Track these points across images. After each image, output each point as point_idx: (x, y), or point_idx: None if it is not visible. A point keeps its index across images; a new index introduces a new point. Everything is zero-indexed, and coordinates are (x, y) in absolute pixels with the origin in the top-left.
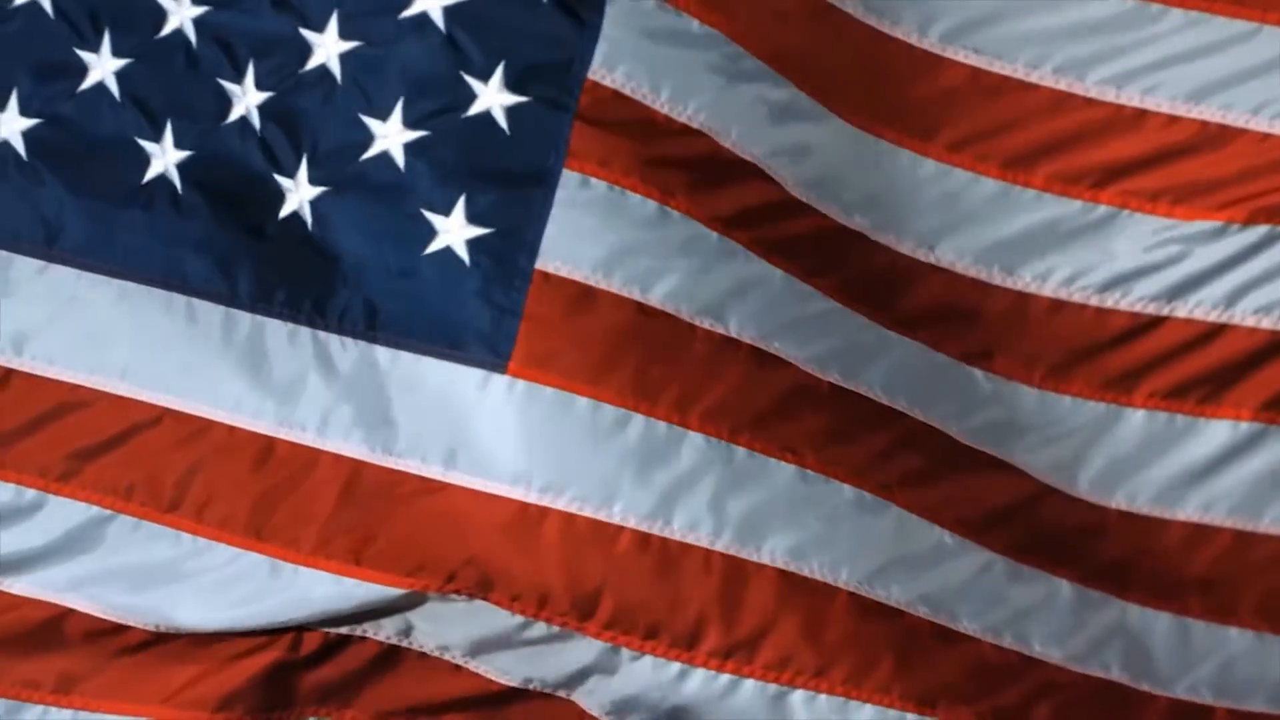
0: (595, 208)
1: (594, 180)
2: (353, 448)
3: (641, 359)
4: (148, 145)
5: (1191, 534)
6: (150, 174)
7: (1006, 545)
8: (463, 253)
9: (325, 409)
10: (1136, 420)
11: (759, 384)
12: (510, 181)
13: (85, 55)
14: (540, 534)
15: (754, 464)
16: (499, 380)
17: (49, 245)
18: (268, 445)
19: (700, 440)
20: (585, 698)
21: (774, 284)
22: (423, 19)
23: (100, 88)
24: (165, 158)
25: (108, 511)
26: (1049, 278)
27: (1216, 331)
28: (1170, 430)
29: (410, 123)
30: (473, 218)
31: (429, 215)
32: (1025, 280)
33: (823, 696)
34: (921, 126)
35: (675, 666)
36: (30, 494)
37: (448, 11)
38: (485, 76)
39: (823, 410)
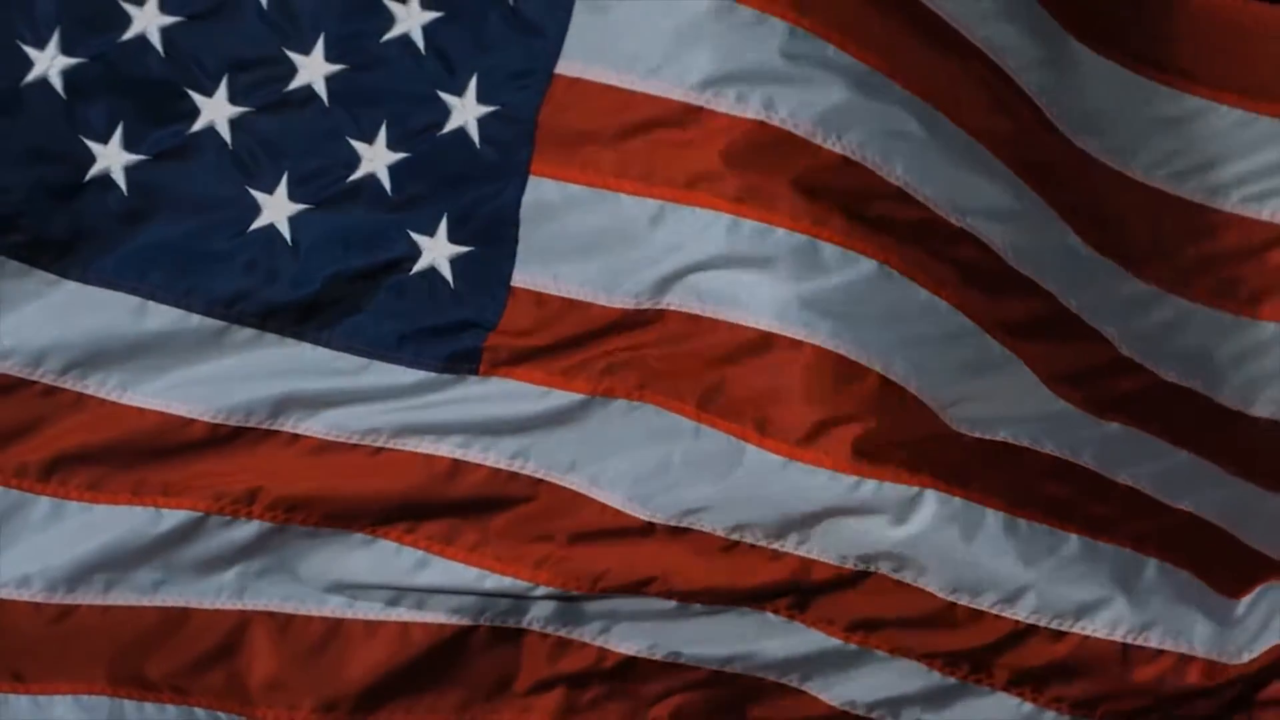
0: (563, 209)
1: (557, 182)
2: None
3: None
4: (94, 146)
5: None
6: (94, 171)
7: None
8: (446, 272)
9: None
10: None
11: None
12: (483, 193)
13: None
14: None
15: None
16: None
17: None
18: None
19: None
20: None
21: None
22: (404, 40)
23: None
24: (114, 159)
25: None
26: None
27: None
28: None
29: (393, 144)
30: (454, 237)
31: (415, 236)
32: None
33: None
34: None
35: None
36: None
37: (426, 31)
38: (460, 92)
39: None
